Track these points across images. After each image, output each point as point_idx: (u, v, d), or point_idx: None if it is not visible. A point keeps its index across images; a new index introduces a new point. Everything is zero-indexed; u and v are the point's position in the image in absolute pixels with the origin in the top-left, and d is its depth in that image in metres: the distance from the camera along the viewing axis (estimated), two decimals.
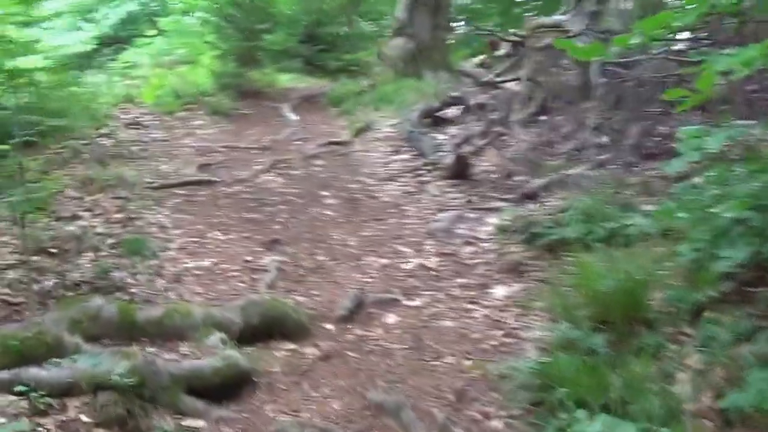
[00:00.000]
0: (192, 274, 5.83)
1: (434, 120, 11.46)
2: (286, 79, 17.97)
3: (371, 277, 6.11)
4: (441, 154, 9.31)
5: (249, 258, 6.26)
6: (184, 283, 5.65)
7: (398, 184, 8.91)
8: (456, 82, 14.34)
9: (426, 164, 9.34)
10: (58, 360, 4.01)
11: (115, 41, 21.97)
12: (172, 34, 19.44)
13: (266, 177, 8.93)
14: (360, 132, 11.40)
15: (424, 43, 14.78)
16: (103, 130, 11.11)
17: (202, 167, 9.23)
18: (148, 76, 16.83)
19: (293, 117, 13.08)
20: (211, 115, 13.40)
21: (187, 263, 6.05)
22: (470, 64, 15.36)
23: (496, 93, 11.38)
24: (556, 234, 6.11)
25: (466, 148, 9.71)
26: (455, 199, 8.07)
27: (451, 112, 11.78)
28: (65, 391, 3.85)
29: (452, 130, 10.99)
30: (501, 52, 13.16)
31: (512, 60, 11.48)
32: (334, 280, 6.00)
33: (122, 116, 12.81)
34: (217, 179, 8.65)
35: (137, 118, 12.73)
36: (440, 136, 10.64)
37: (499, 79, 11.20)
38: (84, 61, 22.20)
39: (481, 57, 15.64)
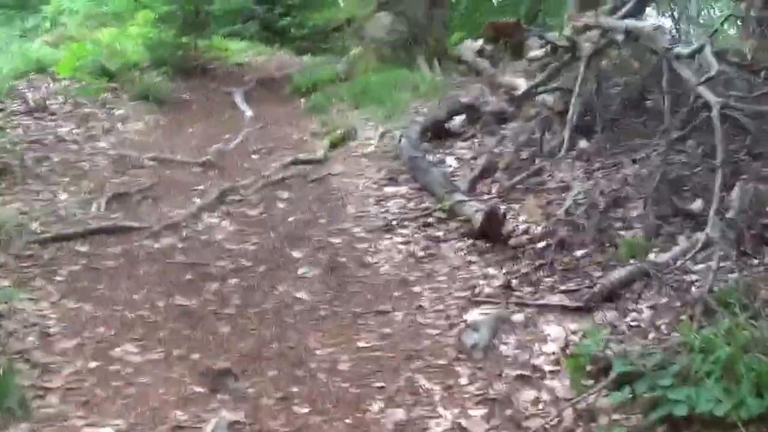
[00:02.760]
0: None
1: (438, 132, 9.32)
2: (238, 49, 15.70)
3: None
4: (457, 196, 7.18)
5: (182, 415, 4.04)
6: None
7: (400, 239, 6.80)
8: (457, 76, 12.23)
9: (437, 209, 7.22)
10: None
11: None
12: None
13: (210, 220, 6.75)
14: (339, 143, 9.21)
15: (417, 23, 12.54)
16: None
17: (119, 198, 6.99)
18: (70, 37, 14.49)
19: (248, 112, 10.82)
20: (141, 99, 11.09)
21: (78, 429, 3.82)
22: (469, 52, 13.13)
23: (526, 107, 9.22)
24: (681, 403, 4.00)
25: (492, 188, 7.61)
26: (488, 278, 5.97)
27: (458, 120, 9.63)
28: None
29: (463, 150, 8.89)
30: (536, 52, 10.93)
31: (551, 66, 9.25)
32: None
33: (28, 94, 10.50)
34: (138, 225, 6.41)
35: (45, 99, 10.42)
36: (449, 160, 8.54)
37: (540, 89, 8.96)
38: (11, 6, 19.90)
39: (480, 42, 13.37)
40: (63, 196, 6.91)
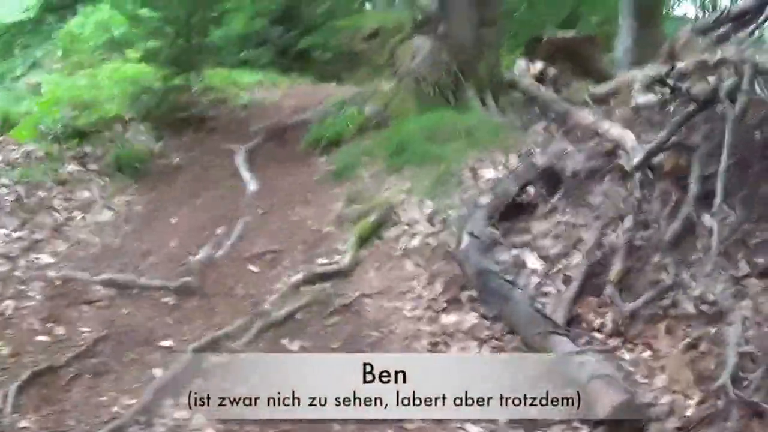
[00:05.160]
0: None
1: (506, 210, 6.89)
2: (248, 83, 13.24)
3: None
4: (558, 342, 4.77)
5: None
6: None
7: (475, 430, 4.38)
8: (518, 113, 9.75)
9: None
10: None
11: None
12: None
13: (177, 413, 4.36)
14: (370, 235, 6.77)
15: (464, 48, 10.04)
16: None
17: (38, 381, 4.64)
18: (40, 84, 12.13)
19: (251, 184, 8.38)
20: (115, 171, 8.75)
21: None
22: (527, 78, 10.57)
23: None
24: None
25: (604, 317, 5.21)
26: None
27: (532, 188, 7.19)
28: None
29: (546, 239, 6.44)
30: (645, 97, 8.22)
31: (673, 120, 6.65)
32: None
33: None
34: None
35: None
36: (529, 260, 6.12)
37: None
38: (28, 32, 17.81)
39: (539, 65, 10.80)
40: None
